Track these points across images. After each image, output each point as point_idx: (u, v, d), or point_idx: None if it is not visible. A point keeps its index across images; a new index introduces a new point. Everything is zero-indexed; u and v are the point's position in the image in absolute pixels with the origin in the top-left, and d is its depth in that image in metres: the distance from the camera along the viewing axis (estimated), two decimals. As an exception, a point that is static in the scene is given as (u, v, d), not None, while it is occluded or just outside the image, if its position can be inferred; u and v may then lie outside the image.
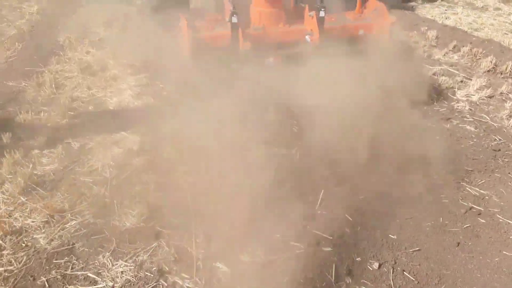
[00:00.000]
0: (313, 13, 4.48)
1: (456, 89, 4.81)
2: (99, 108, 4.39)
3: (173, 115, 3.84)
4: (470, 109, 4.31)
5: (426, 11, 8.29)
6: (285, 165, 3.18)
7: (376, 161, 3.24)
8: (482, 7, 8.69)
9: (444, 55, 5.89)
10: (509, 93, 4.73)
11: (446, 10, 8.39)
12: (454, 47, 6.04)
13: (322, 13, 4.39)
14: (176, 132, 3.59)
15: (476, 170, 3.35)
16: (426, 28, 6.79)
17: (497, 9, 8.50)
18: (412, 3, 8.89)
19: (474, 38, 6.19)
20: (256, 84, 4.07)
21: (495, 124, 4.00)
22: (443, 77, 5.06)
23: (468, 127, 3.93)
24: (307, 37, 4.52)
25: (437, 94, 4.62)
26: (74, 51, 5.93)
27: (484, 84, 4.90)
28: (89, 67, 5.38)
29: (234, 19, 4.19)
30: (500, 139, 3.77)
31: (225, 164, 3.09)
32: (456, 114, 4.18)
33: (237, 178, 2.93)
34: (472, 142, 3.69)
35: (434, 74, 5.23)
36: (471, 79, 5.09)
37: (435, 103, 4.43)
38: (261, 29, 4.57)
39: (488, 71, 5.33)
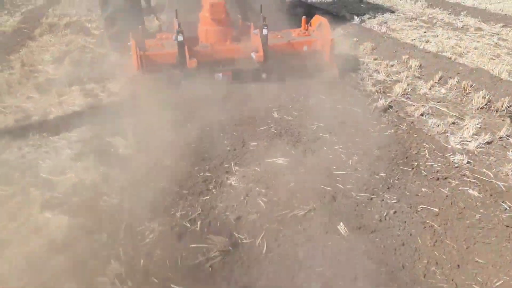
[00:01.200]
0: (257, 31, 4.64)
1: (449, 134, 4.10)
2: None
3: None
4: (469, 163, 3.59)
5: (404, 33, 7.65)
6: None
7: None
8: (462, 27, 8.11)
9: (430, 88, 5.20)
10: (510, 136, 4.03)
11: (425, 32, 7.77)
12: (440, 78, 5.36)
13: (265, 31, 4.53)
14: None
15: (490, 264, 2.59)
16: (407, 56, 6.12)
17: (478, 29, 7.92)
18: (389, 23, 8.27)
19: (460, 67, 5.53)
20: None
21: (501, 185, 3.27)
22: (433, 119, 4.35)
23: (470, 191, 3.20)
24: (252, 54, 4.69)
25: (429, 142, 3.89)
26: (13, 96, 5.06)
27: (479, 125, 4.21)
28: (26, 118, 4.51)
29: (180, 38, 4.36)
30: (511, 207, 3.05)
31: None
32: (454, 171, 3.45)
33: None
34: (478, 216, 2.95)
35: (422, 114, 4.51)
36: (464, 119, 4.39)
37: (427, 155, 3.69)
38: (208, 46, 4.76)
39: (482, 108, 4.64)
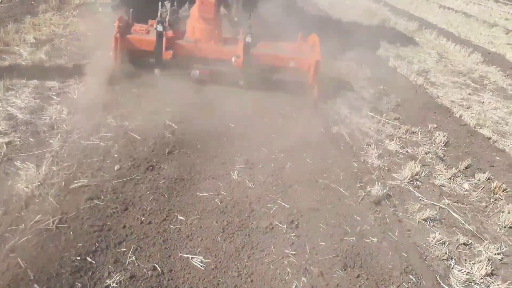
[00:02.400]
0: (241, 37, 4.58)
1: (452, 263, 2.88)
2: None
3: None
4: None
5: (444, 91, 6.33)
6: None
7: None
8: (516, 97, 6.67)
9: (451, 178, 3.94)
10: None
11: (469, 94, 6.41)
12: (468, 167, 4.10)
13: (248, 39, 4.47)
14: None
15: None
16: (435, 125, 4.86)
17: (536, 104, 6.47)
18: (430, 74, 6.95)
19: (498, 157, 4.24)
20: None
21: None
22: (438, 233, 3.13)
23: None
24: (233, 58, 4.57)
25: (421, 273, 2.69)
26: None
27: (500, 257, 2.96)
28: None
29: (159, 28, 4.39)
30: None
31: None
32: None
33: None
34: None
35: (426, 219, 3.29)
36: (481, 241, 3.15)
37: (411, 297, 2.50)
38: (192, 42, 4.68)
39: (510, 227, 3.37)
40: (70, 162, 3.24)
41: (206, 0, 4.65)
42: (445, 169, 4.07)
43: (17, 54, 5.31)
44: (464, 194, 3.75)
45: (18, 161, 3.24)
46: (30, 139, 3.58)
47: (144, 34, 4.73)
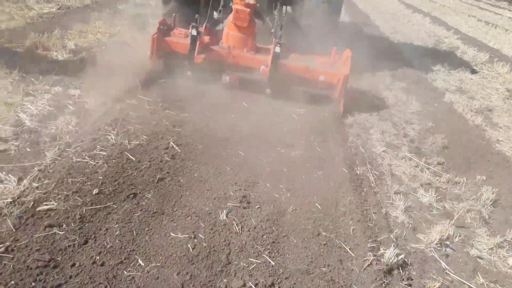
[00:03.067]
0: (271, 46, 4.73)
1: None
2: None
3: None
4: None
5: (506, 135, 5.40)
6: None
7: None
8: None
9: (493, 249, 3.15)
10: None
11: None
12: (517, 237, 3.27)
13: (277, 49, 4.59)
14: None
15: None
16: (485, 177, 4.04)
17: None
18: (494, 113, 6.02)
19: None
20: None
21: None
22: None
23: None
24: (262, 67, 4.72)
25: None
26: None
27: None
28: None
29: (194, 32, 4.62)
30: None
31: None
32: None
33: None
34: None
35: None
36: None
37: None
38: (226, 48, 4.86)
39: None
40: (51, 180, 2.97)
41: (241, 9, 4.78)
42: (487, 235, 3.28)
43: (53, 60, 5.28)
44: (507, 272, 2.95)
45: (3, 172, 3.01)
46: (27, 149, 3.39)
47: (182, 38, 4.94)
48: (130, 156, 3.40)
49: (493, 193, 3.72)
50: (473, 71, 8.25)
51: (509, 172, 4.09)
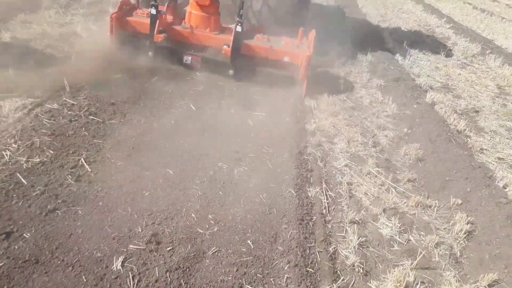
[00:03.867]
0: (233, 25, 4.55)
1: None
2: None
3: None
4: None
5: (493, 142, 4.72)
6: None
7: None
8: None
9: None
10: None
11: (528, 150, 4.72)
12: (492, 285, 2.62)
13: (238, 28, 4.48)
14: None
15: None
16: (461, 200, 3.39)
17: None
18: (480, 115, 5.36)
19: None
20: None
21: None
22: None
23: None
24: (225, 47, 4.59)
25: None
26: None
27: None
28: None
29: (153, 11, 4.46)
30: None
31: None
32: None
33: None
34: None
35: None
36: None
37: None
38: (188, 28, 4.74)
39: None
40: None
41: None
42: (456, 280, 2.64)
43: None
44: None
45: None
46: None
47: (144, 17, 4.71)
48: (22, 179, 2.73)
49: (467, 223, 3.07)
50: (463, 65, 7.54)
51: (489, 193, 3.43)
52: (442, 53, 7.88)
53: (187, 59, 4.70)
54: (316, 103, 4.87)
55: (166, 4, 4.87)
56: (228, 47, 4.54)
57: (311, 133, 4.18)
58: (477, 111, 5.63)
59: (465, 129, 4.83)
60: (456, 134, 4.61)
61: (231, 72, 4.74)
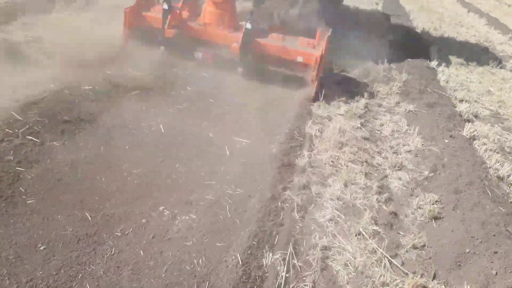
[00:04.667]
0: (244, 23, 4.44)
1: None
2: None
3: None
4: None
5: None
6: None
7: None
8: None
9: None
10: None
11: None
12: None
13: (248, 25, 4.37)
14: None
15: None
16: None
17: None
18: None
19: None
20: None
21: None
22: None
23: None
24: (234, 44, 4.44)
25: None
26: None
27: None
28: None
29: (165, 6, 4.44)
30: None
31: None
32: None
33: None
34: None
35: None
36: None
37: None
38: (202, 25, 4.68)
39: None
40: None
41: None
42: None
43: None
44: None
45: None
46: None
47: (160, 13, 4.57)
48: None
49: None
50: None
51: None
52: (499, 74, 6.60)
53: (198, 55, 4.65)
54: (319, 129, 4.00)
55: (181, 0, 4.80)
56: (238, 44, 4.39)
57: (300, 169, 3.33)
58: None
59: (509, 175, 3.71)
60: (495, 182, 3.53)
61: (240, 69, 4.59)
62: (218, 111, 4.03)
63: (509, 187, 3.58)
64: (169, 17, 4.46)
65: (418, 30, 8.80)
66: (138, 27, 4.66)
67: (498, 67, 7.05)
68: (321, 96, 4.46)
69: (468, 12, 12.95)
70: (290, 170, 3.27)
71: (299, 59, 4.46)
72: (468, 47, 8.15)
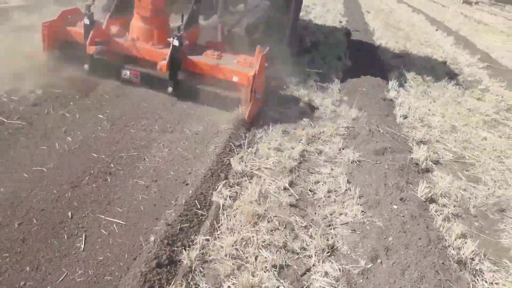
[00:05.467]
0: (172, 39, 4.08)
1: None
2: None
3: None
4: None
5: None
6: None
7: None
8: None
9: None
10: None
11: None
12: None
13: (175, 42, 4.05)
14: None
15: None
16: None
17: None
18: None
19: None
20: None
21: None
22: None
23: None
24: (162, 62, 4.10)
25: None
26: None
27: None
28: None
29: (86, 21, 4.16)
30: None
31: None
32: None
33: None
34: None
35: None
36: None
37: None
38: (130, 41, 4.38)
39: None
40: None
41: None
42: None
43: None
44: None
45: None
46: None
47: (79, 27, 4.34)
48: None
49: None
50: (492, 123, 5.46)
51: None
52: (465, 104, 5.82)
53: (126, 73, 4.31)
54: (232, 195, 3.05)
55: (108, 14, 4.43)
56: (166, 61, 4.06)
57: (183, 272, 2.34)
58: (503, 210, 3.58)
59: (473, 258, 2.82)
60: (454, 270, 2.62)
61: (169, 89, 4.22)
62: (101, 167, 3.03)
63: (474, 277, 2.68)
64: (91, 32, 4.12)
65: (380, 53, 8.03)
66: (61, 43, 4.34)
67: (464, 96, 6.28)
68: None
69: (436, 30, 12.37)
70: (165, 276, 2.28)
71: (235, 78, 4.07)
72: (433, 71, 7.39)
